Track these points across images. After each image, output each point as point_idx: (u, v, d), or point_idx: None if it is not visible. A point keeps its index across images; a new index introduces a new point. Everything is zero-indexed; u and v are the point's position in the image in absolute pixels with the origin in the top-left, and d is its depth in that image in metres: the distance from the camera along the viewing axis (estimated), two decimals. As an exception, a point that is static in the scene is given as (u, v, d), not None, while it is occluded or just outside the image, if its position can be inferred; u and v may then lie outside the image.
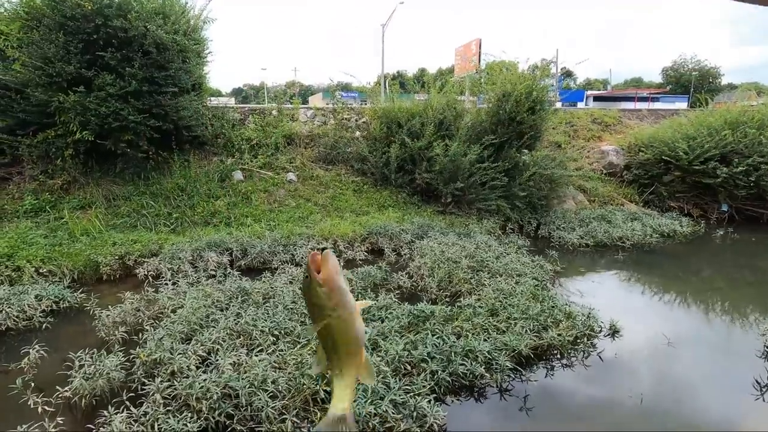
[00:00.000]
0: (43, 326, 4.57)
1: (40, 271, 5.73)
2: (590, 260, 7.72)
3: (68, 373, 3.44)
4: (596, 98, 30.71)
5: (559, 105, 15.85)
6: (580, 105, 25.82)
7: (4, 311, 4.55)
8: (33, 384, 3.34)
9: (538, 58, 10.78)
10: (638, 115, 15.44)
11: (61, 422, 2.93)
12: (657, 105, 24.05)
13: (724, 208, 10.70)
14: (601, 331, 4.61)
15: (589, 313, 4.65)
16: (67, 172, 7.74)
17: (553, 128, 11.74)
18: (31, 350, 3.80)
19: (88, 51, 7.11)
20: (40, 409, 3.09)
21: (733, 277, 7.34)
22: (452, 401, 3.47)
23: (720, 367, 4.34)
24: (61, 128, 7.39)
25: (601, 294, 6.13)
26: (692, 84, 37.18)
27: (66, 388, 3.29)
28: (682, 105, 23.73)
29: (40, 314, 4.70)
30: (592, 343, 4.38)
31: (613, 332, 4.63)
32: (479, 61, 15.73)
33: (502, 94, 9.23)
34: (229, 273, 5.68)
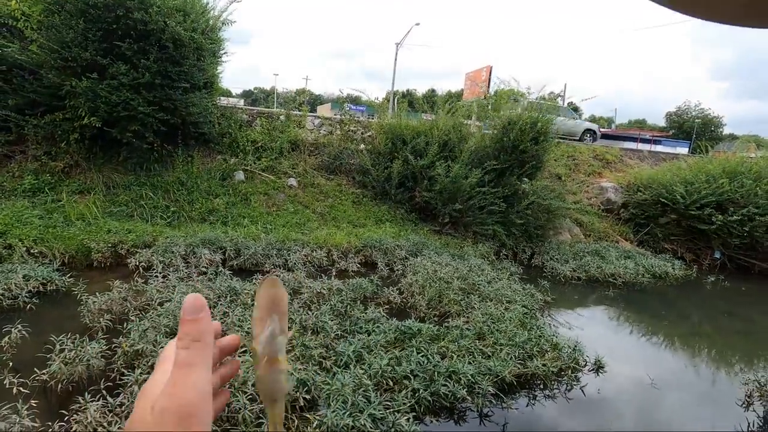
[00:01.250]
0: (28, 307, 4.52)
1: (32, 251, 5.70)
2: (581, 294, 7.74)
3: (48, 356, 3.41)
4: (600, 135, 31.13)
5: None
6: (584, 140, 26.14)
7: (-10, 288, 4.52)
8: (11, 364, 3.30)
9: (547, 90, 10.98)
10: (639, 155, 15.67)
11: (35, 405, 2.88)
12: (658, 147, 24.37)
13: (717, 255, 10.78)
14: (586, 365, 4.60)
15: (576, 346, 4.64)
16: (70, 156, 7.76)
17: (555, 160, 11.88)
18: (12, 330, 3.76)
19: (105, 39, 7.21)
20: (15, 390, 3.04)
21: (721, 325, 7.36)
22: (431, 421, 3.44)
23: (701, 413, 4.33)
24: (69, 112, 7.44)
25: (589, 328, 6.13)
26: (694, 131, 37.81)
27: (44, 371, 3.26)
28: (683, 150, 24.06)
29: (26, 294, 4.66)
30: (576, 376, 4.36)
31: (598, 368, 4.62)
32: (488, 87, 16.00)
33: (507, 122, 9.38)
34: (221, 271, 5.66)
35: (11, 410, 2.79)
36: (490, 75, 20.55)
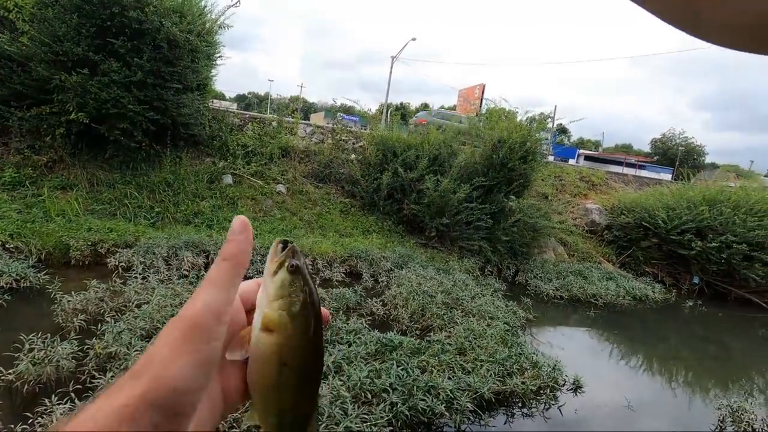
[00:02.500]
0: (-1, 303, 4.38)
1: (7, 246, 5.54)
2: (563, 313, 7.81)
3: (16, 355, 3.29)
4: (587, 158, 31.71)
5: (551, 159, 16.37)
6: (572, 162, 26.66)
7: (-41, 282, 4.37)
8: (-24, 362, 3.18)
9: (538, 110, 11.19)
10: (624, 179, 16.02)
11: (-2, 406, 2.78)
12: (643, 173, 24.96)
13: (696, 280, 11.00)
14: (564, 384, 4.62)
15: (555, 365, 4.66)
16: (54, 150, 7.61)
17: (543, 180, 12.07)
18: (-20, 326, 3.63)
19: (99, 36, 7.15)
20: (-23, 390, 2.93)
21: (697, 349, 7.49)
22: (408, 437, 3.40)
23: None
24: (57, 106, 7.31)
25: (570, 348, 6.17)
26: (678, 158, 38.87)
27: (10, 371, 3.14)
28: (666, 176, 24.68)
29: (-2, 290, 4.51)
30: (554, 395, 4.37)
31: (577, 387, 4.64)
32: (480, 105, 16.26)
33: (497, 140, 9.52)
34: (203, 275, 5.56)
35: (-28, 411, 2.68)
36: (482, 93, 20.89)
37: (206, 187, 8.55)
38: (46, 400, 2.84)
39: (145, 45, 7.33)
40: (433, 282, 6.63)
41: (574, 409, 4.26)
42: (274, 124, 10.77)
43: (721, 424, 4.39)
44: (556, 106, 16.41)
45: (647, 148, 49.64)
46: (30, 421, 2.74)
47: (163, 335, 0.34)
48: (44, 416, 2.75)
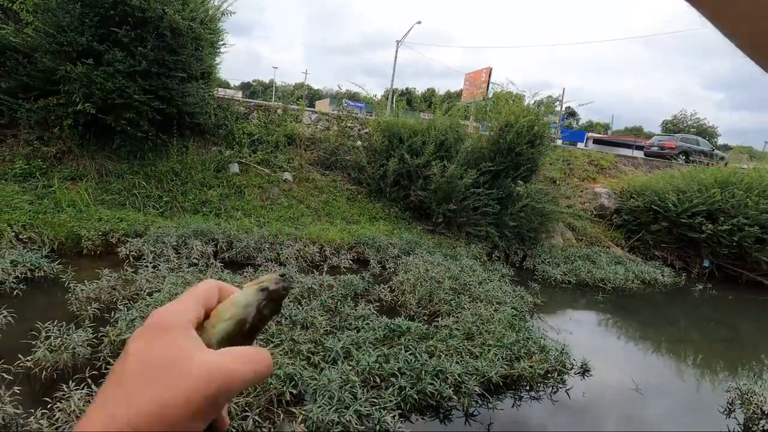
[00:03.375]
0: (15, 293, 4.48)
1: (20, 236, 5.64)
2: (571, 297, 7.80)
3: (33, 342, 3.38)
4: (596, 141, 31.31)
5: (559, 142, 16.15)
6: (580, 145, 26.31)
7: (-24, 272, 4.47)
8: (-5, 349, 3.27)
9: (545, 93, 10.99)
10: (634, 162, 15.79)
11: (18, 392, 2.86)
12: (653, 155, 24.60)
13: (706, 263, 10.90)
14: (572, 368, 4.65)
15: (563, 349, 4.68)
16: (62, 142, 7.67)
17: (551, 164, 11.94)
18: (-2, 315, 3.72)
19: (102, 25, 7.12)
20: (-2, 376, 3.01)
21: (707, 332, 7.46)
22: (417, 419, 3.46)
23: (683, 418, 4.39)
24: (63, 97, 7.34)
25: (577, 332, 6.18)
26: (689, 140, 38.24)
27: (28, 358, 3.23)
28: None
29: (13, 280, 4.61)
30: (562, 378, 4.40)
31: (584, 371, 4.67)
32: (487, 89, 16.04)
33: (504, 124, 9.41)
34: (212, 263, 5.64)
35: (-6, 396, 2.76)
36: (489, 77, 20.56)
37: (213, 176, 8.59)
38: (64, 386, 2.92)
39: (148, 34, 7.29)
40: (441, 268, 6.64)
41: (582, 392, 4.29)
42: (280, 111, 10.73)
43: (730, 407, 4.39)
44: (564, 89, 16.11)
45: (658, 131, 48.79)
46: (49, 406, 2.83)
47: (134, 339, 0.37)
48: (62, 401, 2.83)
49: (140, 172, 7.94)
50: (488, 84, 18.58)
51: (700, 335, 7.22)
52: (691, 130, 40.78)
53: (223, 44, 9.51)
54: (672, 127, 43.97)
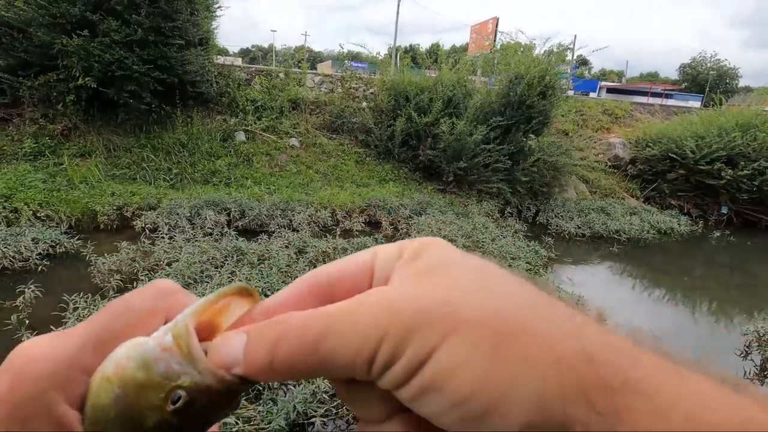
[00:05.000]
0: (39, 268, 4.61)
1: (38, 214, 5.74)
2: (585, 250, 7.78)
3: (62, 314, 3.50)
4: (609, 90, 30.20)
5: (571, 93, 15.59)
6: (593, 95, 25.41)
7: (0, 251, 4.59)
8: (27, 322, 3.40)
9: (556, 41, 10.44)
10: (650, 109, 15.24)
11: (54, 360, 2.99)
12: (670, 101, 23.68)
13: (724, 210, 10.71)
14: (587, 318, 4.69)
15: (578, 301, 4.71)
16: (67, 118, 7.63)
17: (563, 116, 11.58)
18: (26, 290, 3.85)
19: (94, -7, 6.90)
20: (33, 347, 3.15)
21: (723, 278, 7.42)
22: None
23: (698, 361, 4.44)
24: (63, 72, 7.22)
25: (592, 284, 6.21)
26: (708, 83, 36.56)
27: (60, 328, 3.35)
28: (695, 103, 23.39)
29: (36, 257, 4.73)
30: (577, 329, 4.45)
31: (600, 320, 4.71)
32: (494, 41, 15.37)
33: (514, 76, 9.06)
34: (226, 232, 5.70)
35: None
36: (496, 27, 19.65)
37: (220, 146, 8.54)
38: (96, 353, 3.04)
39: (141, 0, 7.04)
40: (453, 227, 6.64)
41: (598, 340, 4.34)
42: (282, 76, 10.48)
43: (746, 349, 4.42)
44: (575, 36, 15.32)
45: (675, 76, 46.69)
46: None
47: None
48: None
49: (147, 145, 7.92)
50: (495, 35, 17.79)
51: (716, 282, 7.19)
52: (711, 72, 38.92)
53: (218, 7, 9.18)
54: (690, 71, 41.99)
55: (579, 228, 8.33)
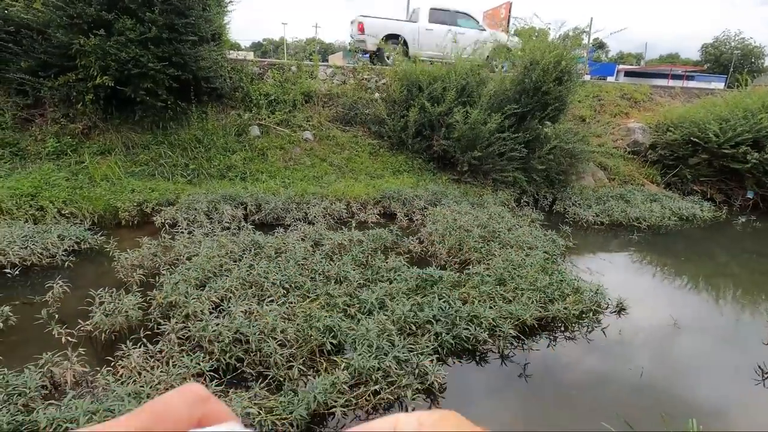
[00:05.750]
0: (65, 264, 4.76)
1: (62, 212, 5.91)
2: (604, 239, 7.64)
3: (89, 308, 3.62)
4: (628, 73, 29.24)
5: (588, 78, 15.17)
6: (610, 79, 24.71)
7: (29, 248, 4.75)
8: (56, 316, 3.52)
9: (571, 25, 10.14)
10: (670, 92, 14.77)
11: (83, 353, 3.10)
12: (692, 83, 22.87)
13: (750, 194, 10.37)
14: (607, 307, 4.63)
15: (597, 289, 4.65)
16: (87, 117, 7.80)
17: (579, 101, 11.31)
18: (54, 285, 3.98)
19: (108, -7, 6.98)
20: (63, 340, 3.27)
21: (748, 265, 7.22)
22: (454, 362, 3.57)
23: (724, 351, 4.35)
24: (82, 72, 7.37)
25: (611, 272, 6.11)
26: (732, 63, 35.17)
27: (87, 322, 3.47)
28: (718, 85, 22.55)
29: (63, 253, 4.88)
30: (597, 318, 4.40)
31: (620, 310, 4.64)
32: (508, 26, 15.05)
33: (529, 62, 8.88)
34: (243, 226, 5.78)
35: (62, 357, 3.01)
36: (509, 12, 19.22)
37: (235, 141, 8.62)
38: (122, 346, 3.14)
39: (154, -3, 7.10)
40: (469, 216, 6.59)
41: (618, 330, 4.29)
42: (294, 68, 10.47)
43: (773, 338, 4.31)
44: (592, 18, 14.83)
45: (697, 57, 45.06)
46: (112, 363, 3.06)
47: None
48: (123, 359, 3.06)
49: (164, 142, 8.04)
50: (509, 20, 17.40)
51: (741, 269, 6.99)
52: (735, 52, 37.39)
53: (230, 2, 9.20)
54: (713, 51, 40.44)
55: (597, 216, 8.19)
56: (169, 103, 7.91)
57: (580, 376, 3.70)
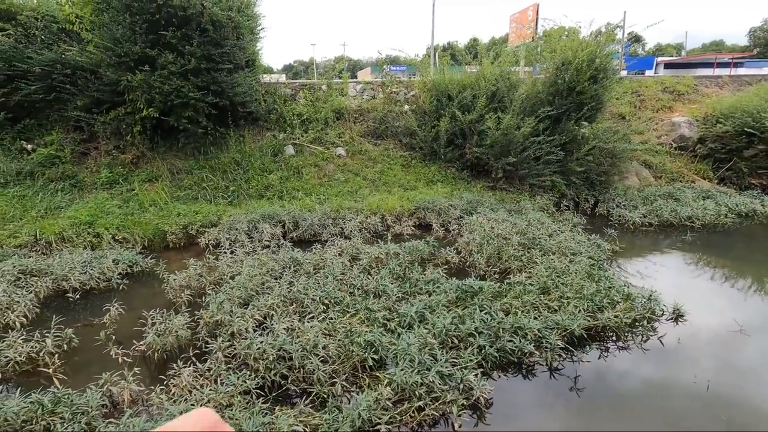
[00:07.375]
0: (120, 287, 5.04)
1: (116, 237, 6.29)
2: (653, 241, 7.23)
3: (142, 329, 3.80)
4: (667, 65, 27.88)
5: (624, 73, 14.58)
6: (649, 73, 23.65)
7: (88, 273, 5.07)
8: (113, 337, 3.72)
9: (603, 21, 9.82)
10: (717, 82, 13.92)
11: (138, 372, 3.25)
12: (741, 71, 21.45)
13: (817, 186, 9.53)
14: (663, 314, 4.36)
15: (650, 296, 4.39)
16: (136, 147, 8.32)
17: (617, 98, 10.88)
18: (111, 308, 4.22)
19: (151, 31, 7.47)
20: (120, 360, 3.44)
21: (822, 263, 6.59)
22: (499, 376, 3.46)
23: (801, 359, 3.96)
24: (129, 106, 7.92)
25: (664, 276, 5.75)
26: (786, 46, 32.76)
27: (141, 343, 3.64)
28: (771, 70, 21.00)
29: (117, 276, 5.18)
30: (652, 326, 4.15)
31: (677, 316, 4.35)
32: (536, 28, 14.80)
33: (561, 63, 8.66)
34: (282, 244, 5.92)
35: (120, 377, 3.16)
36: (537, 14, 18.92)
37: (271, 161, 8.90)
38: (174, 365, 3.27)
39: (192, 31, 7.54)
40: (506, 224, 6.44)
41: (677, 338, 4.02)
42: (324, 87, 10.74)
43: None
44: (625, 12, 14.26)
45: (744, 42, 42.42)
46: (165, 382, 3.19)
47: None
48: (174, 378, 3.18)
49: (206, 166, 8.43)
50: (536, 23, 17.12)
51: (814, 267, 6.39)
52: (788, 33, 34.85)
53: (261, 29, 9.61)
54: (763, 34, 37.92)
55: (645, 217, 7.78)
56: (209, 129, 8.31)
57: (638, 389, 3.47)
